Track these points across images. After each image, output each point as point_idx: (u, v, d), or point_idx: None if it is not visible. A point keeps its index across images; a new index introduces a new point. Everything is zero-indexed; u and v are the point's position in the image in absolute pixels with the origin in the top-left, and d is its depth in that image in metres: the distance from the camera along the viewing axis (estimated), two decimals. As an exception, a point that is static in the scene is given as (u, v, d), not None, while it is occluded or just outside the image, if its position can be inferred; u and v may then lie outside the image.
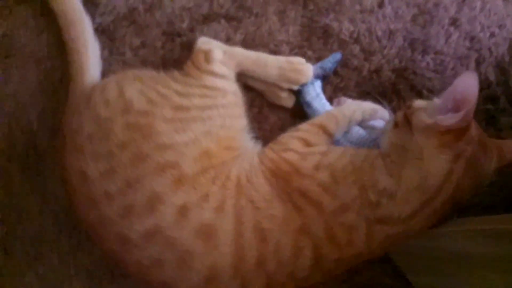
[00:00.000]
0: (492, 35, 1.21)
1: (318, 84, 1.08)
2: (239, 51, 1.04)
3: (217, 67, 0.96)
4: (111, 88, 0.88)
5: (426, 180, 0.78)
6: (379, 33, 1.17)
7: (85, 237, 1.05)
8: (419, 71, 1.17)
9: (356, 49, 1.16)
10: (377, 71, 1.16)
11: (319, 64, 1.11)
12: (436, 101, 0.84)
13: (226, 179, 0.83)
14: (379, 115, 1.03)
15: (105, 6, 1.09)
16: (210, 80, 0.93)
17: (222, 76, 0.96)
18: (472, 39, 1.20)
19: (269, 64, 1.04)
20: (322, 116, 0.99)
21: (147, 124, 0.82)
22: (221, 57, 0.98)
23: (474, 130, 0.80)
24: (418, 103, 0.87)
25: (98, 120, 0.83)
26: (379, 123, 1.03)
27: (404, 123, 0.84)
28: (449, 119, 0.76)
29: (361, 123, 1.03)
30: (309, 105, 1.06)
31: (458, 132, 0.77)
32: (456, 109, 0.76)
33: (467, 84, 0.73)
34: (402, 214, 0.79)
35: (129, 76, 0.93)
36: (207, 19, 1.13)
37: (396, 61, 1.17)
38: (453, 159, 0.77)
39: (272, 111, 1.12)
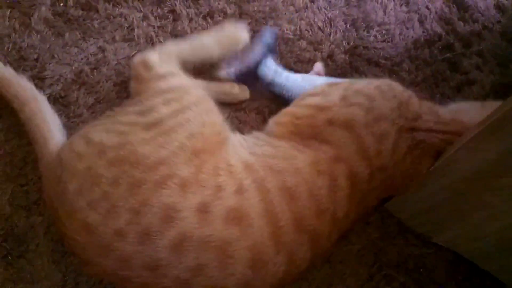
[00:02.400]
0: (424, -6, 1.26)
1: (270, 61, 1.07)
2: (172, 44, 1.02)
3: (160, 68, 0.93)
4: (78, 142, 0.84)
5: None
6: (320, 24, 1.20)
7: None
8: (370, 45, 1.18)
9: (303, 43, 1.17)
10: (330, 56, 1.16)
11: (259, 44, 1.08)
12: None
13: (229, 167, 0.79)
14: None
15: (51, 78, 1.09)
16: (162, 83, 0.90)
17: (171, 74, 0.93)
18: (407, 3, 1.24)
19: (206, 43, 1.03)
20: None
21: (129, 152, 0.77)
22: (158, 58, 0.95)
23: None
24: None
25: (79, 173, 0.78)
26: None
27: None
28: None
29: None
30: (272, 84, 1.05)
31: None
32: None
33: None
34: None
35: (89, 126, 0.90)
36: (153, 59, 1.13)
37: (345, 43, 1.18)
38: None
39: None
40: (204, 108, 0.87)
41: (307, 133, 0.84)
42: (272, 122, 0.92)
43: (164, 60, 0.95)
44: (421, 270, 0.98)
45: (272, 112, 1.07)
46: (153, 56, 0.95)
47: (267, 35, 1.11)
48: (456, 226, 0.90)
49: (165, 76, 0.91)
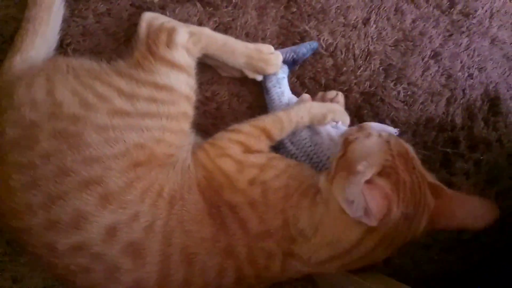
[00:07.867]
0: (470, 76, 1.18)
1: (283, 69, 1.03)
2: (207, 33, 0.94)
3: (178, 54, 0.86)
4: (40, 85, 0.78)
5: (338, 241, 0.76)
6: (357, 52, 1.12)
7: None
8: (388, 99, 1.13)
9: (329, 63, 1.11)
10: (346, 90, 1.11)
11: (293, 47, 1.06)
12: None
13: (157, 197, 0.79)
14: (331, 120, 0.97)
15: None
16: (164, 75, 0.83)
17: (180, 68, 0.86)
18: (449, 76, 1.17)
19: (237, 51, 0.97)
20: (267, 118, 0.92)
21: (76, 133, 0.75)
22: (185, 41, 0.88)
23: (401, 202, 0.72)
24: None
25: (23, 123, 0.75)
26: (330, 129, 0.97)
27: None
28: (364, 220, 0.70)
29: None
30: (267, 91, 1.02)
31: None
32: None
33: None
34: (312, 259, 0.79)
35: (61, 68, 0.82)
36: (182, -1, 1.06)
37: (367, 84, 1.13)
38: (367, 232, 0.73)
39: (231, 111, 1.07)
40: (173, 127, 0.83)
41: (214, 198, 0.81)
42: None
43: (188, 46, 0.88)
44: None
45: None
46: (183, 34, 0.87)
47: (306, 45, 1.06)
48: None
49: (174, 66, 0.85)
